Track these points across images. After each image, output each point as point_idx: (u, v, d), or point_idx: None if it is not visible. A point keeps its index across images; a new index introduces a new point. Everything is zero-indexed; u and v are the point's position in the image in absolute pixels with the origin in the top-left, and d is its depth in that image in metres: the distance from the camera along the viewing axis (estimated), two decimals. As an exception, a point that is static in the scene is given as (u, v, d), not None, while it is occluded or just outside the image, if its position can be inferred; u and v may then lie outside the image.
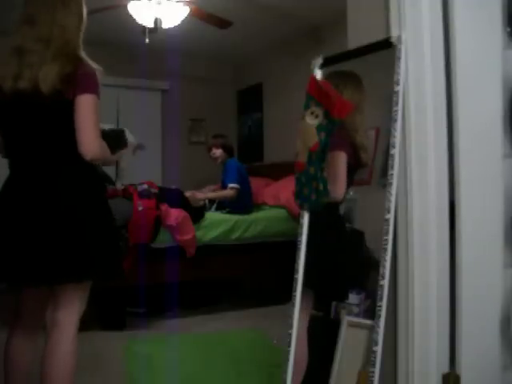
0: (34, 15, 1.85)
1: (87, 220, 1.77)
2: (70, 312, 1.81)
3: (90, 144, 1.72)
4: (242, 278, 4.73)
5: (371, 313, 1.82)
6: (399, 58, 1.82)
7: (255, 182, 4.70)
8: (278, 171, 4.96)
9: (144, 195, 3.70)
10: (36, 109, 1.73)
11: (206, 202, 4.34)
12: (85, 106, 1.71)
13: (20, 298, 1.92)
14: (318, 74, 2.16)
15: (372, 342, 1.77)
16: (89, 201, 1.80)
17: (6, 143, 1.82)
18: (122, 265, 1.96)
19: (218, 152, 4.49)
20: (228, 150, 4.53)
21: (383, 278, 1.77)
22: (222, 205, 4.32)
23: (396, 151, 1.81)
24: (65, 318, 1.80)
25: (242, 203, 4.28)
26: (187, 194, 4.13)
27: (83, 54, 1.81)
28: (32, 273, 1.73)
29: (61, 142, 1.77)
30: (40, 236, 1.72)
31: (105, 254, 1.82)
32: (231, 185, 4.27)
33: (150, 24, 3.86)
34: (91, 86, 1.74)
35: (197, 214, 3.94)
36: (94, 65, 1.80)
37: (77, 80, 1.71)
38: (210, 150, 4.58)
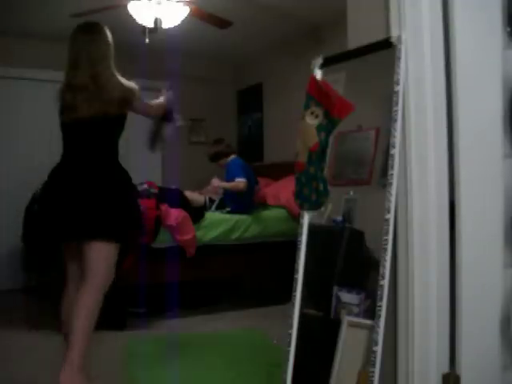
0: (76, 59, 2.38)
1: (118, 196, 2.33)
2: (97, 266, 2.28)
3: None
4: (242, 278, 4.74)
5: (371, 313, 1.82)
6: (399, 58, 1.82)
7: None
8: (278, 171, 4.96)
9: (144, 195, 3.70)
10: (87, 125, 2.35)
11: (207, 200, 4.34)
12: (141, 107, 2.50)
13: (65, 259, 2.45)
14: (318, 74, 2.16)
15: (372, 341, 1.76)
16: (122, 183, 2.38)
17: (64, 141, 2.43)
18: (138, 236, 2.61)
19: (219, 163, 4.53)
20: (227, 153, 4.54)
21: (383, 278, 1.77)
22: (223, 204, 4.32)
23: (396, 151, 1.81)
24: (92, 271, 2.27)
25: (243, 202, 4.28)
26: (211, 185, 4.18)
27: (118, 76, 2.40)
28: (72, 231, 2.29)
29: (103, 145, 2.39)
30: (78, 206, 2.28)
31: (126, 223, 2.36)
32: (238, 179, 4.26)
33: (150, 24, 3.85)
34: (133, 97, 2.43)
35: (197, 214, 3.94)
36: (128, 82, 2.43)
37: (118, 101, 2.34)
38: (212, 161, 4.60)
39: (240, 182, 4.22)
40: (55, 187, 2.36)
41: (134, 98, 2.43)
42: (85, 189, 2.29)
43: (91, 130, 2.36)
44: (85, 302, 2.25)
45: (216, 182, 4.47)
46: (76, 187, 2.30)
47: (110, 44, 2.43)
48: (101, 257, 2.30)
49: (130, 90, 2.41)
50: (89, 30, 2.41)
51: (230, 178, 4.34)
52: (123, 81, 2.41)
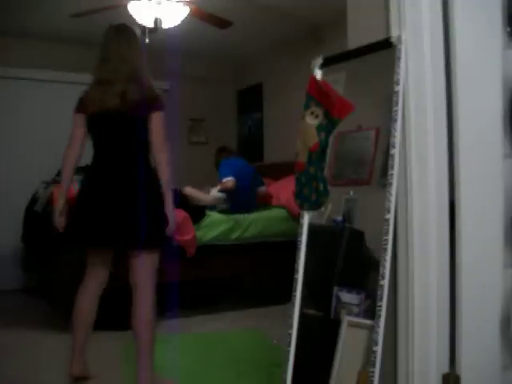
0: (107, 56, 2.44)
1: (156, 204, 2.34)
2: (144, 275, 2.36)
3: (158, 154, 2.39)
4: (242, 277, 4.73)
5: (371, 313, 1.82)
6: (399, 58, 1.82)
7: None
8: (278, 171, 4.96)
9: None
10: (115, 122, 2.37)
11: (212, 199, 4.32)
12: (155, 120, 2.38)
13: (90, 261, 2.48)
14: (318, 74, 2.16)
15: (372, 341, 1.77)
16: (158, 188, 2.35)
17: (94, 142, 2.45)
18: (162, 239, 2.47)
19: None
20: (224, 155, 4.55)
21: (383, 278, 1.77)
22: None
23: (396, 151, 1.81)
24: (141, 281, 2.36)
25: (240, 201, 4.27)
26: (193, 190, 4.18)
27: (149, 77, 2.46)
28: (124, 238, 2.32)
29: (133, 145, 2.38)
30: (114, 213, 2.30)
31: (163, 230, 2.37)
32: (226, 178, 4.25)
33: (150, 24, 3.85)
34: (161, 105, 2.42)
35: (197, 213, 3.94)
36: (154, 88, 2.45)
37: (148, 101, 2.35)
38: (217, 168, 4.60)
39: (227, 181, 4.23)
40: (98, 190, 2.36)
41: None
42: (132, 193, 2.30)
43: (126, 126, 2.38)
44: (146, 315, 2.35)
45: (213, 191, 4.46)
46: (123, 191, 2.32)
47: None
48: (150, 265, 2.37)
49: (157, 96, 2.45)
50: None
51: (220, 179, 4.34)
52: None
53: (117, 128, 2.38)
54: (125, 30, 2.52)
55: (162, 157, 2.37)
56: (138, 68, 2.43)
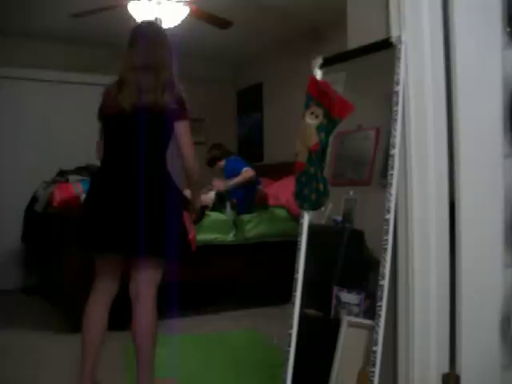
0: (139, 54, 2.27)
1: (168, 210, 2.21)
2: (147, 286, 2.25)
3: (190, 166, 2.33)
4: (242, 277, 4.73)
5: (371, 313, 1.82)
6: (399, 58, 1.82)
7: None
8: (278, 171, 4.95)
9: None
10: (142, 124, 2.20)
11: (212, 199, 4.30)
12: (184, 130, 2.27)
13: (99, 272, 2.31)
14: (318, 74, 2.16)
15: (372, 341, 1.77)
16: (174, 194, 2.28)
17: (109, 144, 2.30)
18: (190, 248, 2.42)
19: (218, 165, 4.52)
20: (224, 156, 4.52)
21: (383, 278, 1.77)
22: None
23: (396, 151, 1.81)
24: (144, 292, 2.24)
25: (246, 200, 4.27)
26: (214, 183, 4.17)
27: (178, 81, 2.33)
28: (125, 246, 2.18)
29: (153, 149, 2.24)
30: (127, 218, 2.16)
31: (177, 239, 2.24)
32: (244, 168, 4.24)
33: (150, 24, 3.85)
34: (186, 114, 2.28)
35: (197, 213, 3.93)
36: (182, 91, 2.31)
37: (175, 107, 2.21)
38: (211, 166, 4.58)
39: (246, 170, 4.22)
40: (108, 194, 2.22)
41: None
42: (147, 200, 2.18)
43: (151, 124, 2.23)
44: (148, 328, 2.25)
45: (220, 183, 4.37)
46: (132, 197, 2.17)
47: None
48: (154, 275, 2.28)
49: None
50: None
51: (232, 172, 4.32)
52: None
53: (135, 131, 2.22)
54: (156, 29, 2.41)
55: (191, 164, 2.31)
56: (170, 73, 2.32)
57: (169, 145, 2.29)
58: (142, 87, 2.19)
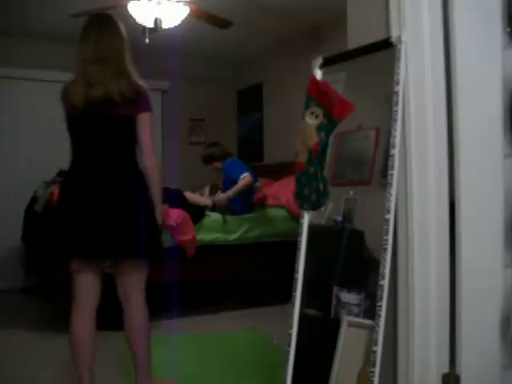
0: (89, 47, 2.20)
1: (143, 210, 2.15)
2: (135, 288, 2.23)
3: (148, 158, 2.19)
4: (242, 278, 4.73)
5: (371, 313, 1.82)
6: (399, 58, 1.82)
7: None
8: (278, 171, 4.96)
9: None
10: (101, 120, 2.14)
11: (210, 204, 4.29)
12: (143, 123, 2.16)
13: (78, 281, 2.22)
14: (318, 74, 2.16)
15: (372, 341, 1.76)
16: (144, 194, 2.18)
17: (74, 146, 2.21)
18: (162, 247, 2.33)
19: (213, 164, 4.50)
20: (221, 156, 4.50)
21: (383, 278, 1.77)
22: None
23: (396, 151, 1.81)
24: (132, 294, 2.22)
25: (246, 202, 4.27)
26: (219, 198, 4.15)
27: (134, 71, 2.20)
28: (103, 249, 2.12)
29: (120, 147, 2.18)
30: (106, 220, 2.10)
31: (153, 239, 2.20)
32: (242, 175, 4.22)
33: (150, 24, 3.85)
34: (148, 106, 2.18)
35: (197, 214, 3.94)
36: (140, 81, 2.20)
37: (135, 98, 2.12)
38: (206, 163, 4.56)
39: (244, 177, 4.21)
40: (79, 197, 2.14)
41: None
42: (120, 200, 2.13)
43: (111, 124, 2.16)
44: (140, 328, 2.23)
45: (222, 199, 4.29)
46: (110, 197, 2.13)
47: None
48: (141, 275, 2.25)
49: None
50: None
51: (230, 178, 4.32)
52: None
53: (100, 129, 2.16)
54: (106, 18, 2.29)
55: (151, 161, 2.19)
56: (123, 63, 2.19)
57: (133, 139, 2.18)
58: (91, 80, 2.12)
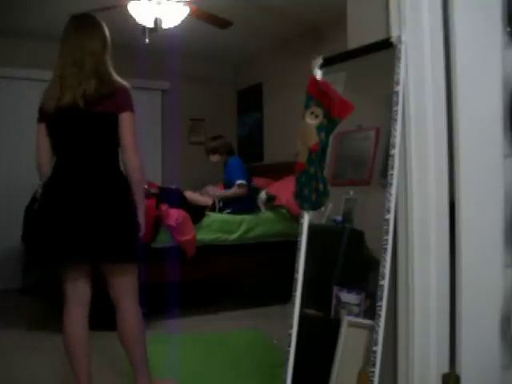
0: (67, 49, 2.18)
1: (123, 214, 2.13)
2: (125, 291, 2.20)
3: (131, 159, 2.14)
4: (242, 277, 4.73)
5: (371, 313, 1.82)
6: (399, 58, 1.82)
7: (255, 182, 4.70)
8: (278, 171, 4.96)
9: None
10: (76, 121, 2.11)
11: (216, 202, 4.29)
12: (126, 123, 2.12)
13: (65, 284, 2.20)
14: (318, 74, 2.16)
15: (372, 341, 1.77)
16: (126, 196, 2.15)
17: (55, 146, 2.19)
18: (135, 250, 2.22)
19: (214, 157, 4.48)
20: (226, 151, 4.49)
21: (383, 278, 1.77)
22: (227, 205, 4.29)
23: (396, 151, 1.81)
24: (123, 297, 2.20)
25: (244, 203, 4.27)
26: (198, 192, 4.12)
27: (113, 72, 2.17)
28: (88, 253, 2.09)
29: (99, 147, 2.15)
30: (88, 225, 2.06)
31: (134, 242, 2.16)
32: (239, 181, 4.21)
33: (150, 24, 3.86)
34: (129, 104, 2.15)
35: (197, 214, 3.94)
36: (123, 81, 2.18)
37: (114, 98, 2.10)
38: (207, 154, 4.56)
39: (239, 184, 4.20)
40: (63, 200, 2.11)
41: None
42: (101, 203, 2.10)
43: (93, 126, 2.13)
44: (134, 332, 2.21)
45: (212, 190, 4.37)
46: (92, 200, 2.09)
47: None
48: (131, 277, 2.22)
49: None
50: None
51: (229, 178, 4.32)
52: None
53: (80, 130, 2.13)
54: (86, 19, 2.28)
55: (134, 162, 2.13)
56: (102, 67, 2.15)
57: (114, 139, 2.14)
58: (64, 85, 2.10)
